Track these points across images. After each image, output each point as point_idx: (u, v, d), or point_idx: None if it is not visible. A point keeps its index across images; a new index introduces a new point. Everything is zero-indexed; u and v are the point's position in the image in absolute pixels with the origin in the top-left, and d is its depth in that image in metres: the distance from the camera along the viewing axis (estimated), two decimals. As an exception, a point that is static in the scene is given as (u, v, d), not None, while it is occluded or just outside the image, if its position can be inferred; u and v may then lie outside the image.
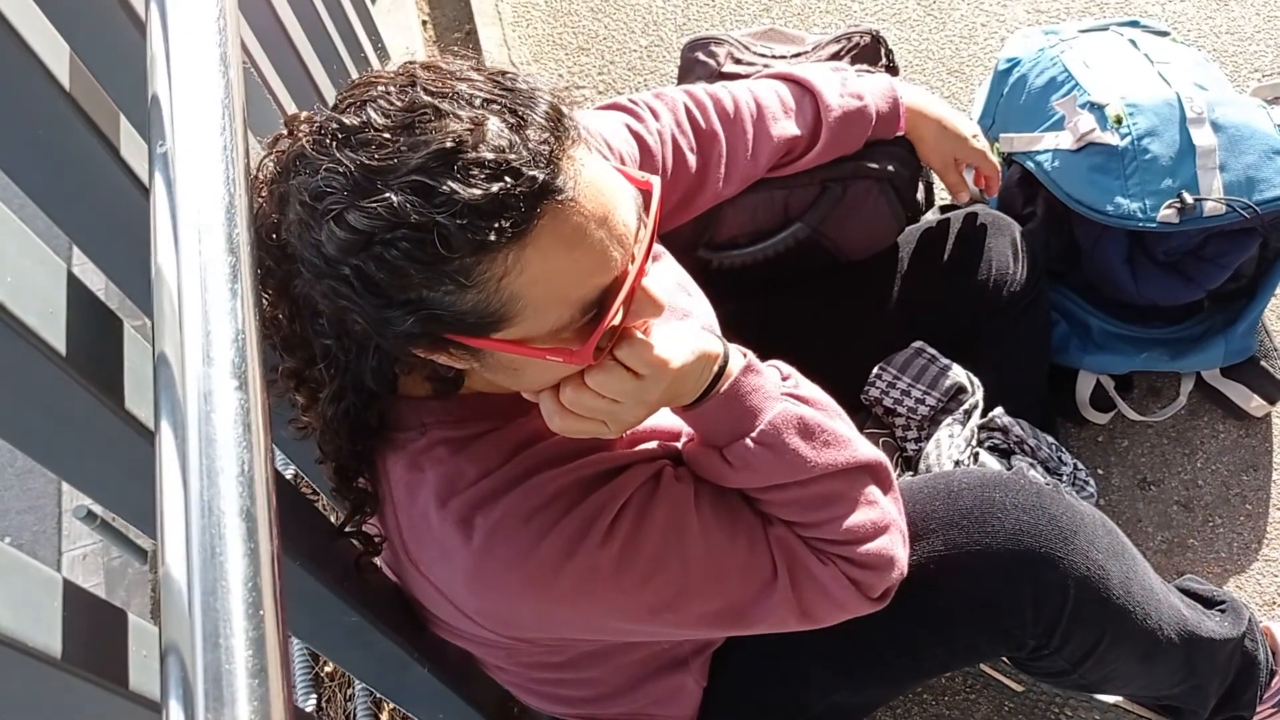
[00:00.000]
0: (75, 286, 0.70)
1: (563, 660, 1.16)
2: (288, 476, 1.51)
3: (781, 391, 1.02)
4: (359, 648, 1.10)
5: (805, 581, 1.04)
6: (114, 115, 0.80)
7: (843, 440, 1.04)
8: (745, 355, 1.02)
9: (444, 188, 0.74)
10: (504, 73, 0.83)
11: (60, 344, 0.66)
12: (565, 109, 0.82)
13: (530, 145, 0.77)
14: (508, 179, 0.75)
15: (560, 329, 0.84)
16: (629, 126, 1.32)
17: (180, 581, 0.54)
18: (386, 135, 0.77)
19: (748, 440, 0.99)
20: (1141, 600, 1.23)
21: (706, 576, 1.01)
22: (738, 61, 1.63)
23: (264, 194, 0.88)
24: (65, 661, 0.63)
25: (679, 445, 1.09)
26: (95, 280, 0.87)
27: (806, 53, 1.66)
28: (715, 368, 0.97)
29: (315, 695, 1.69)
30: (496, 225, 0.75)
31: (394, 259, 0.77)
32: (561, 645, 1.13)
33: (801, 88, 1.44)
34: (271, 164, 0.88)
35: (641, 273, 0.86)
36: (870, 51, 1.64)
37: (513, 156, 0.76)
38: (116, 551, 2.28)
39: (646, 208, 0.89)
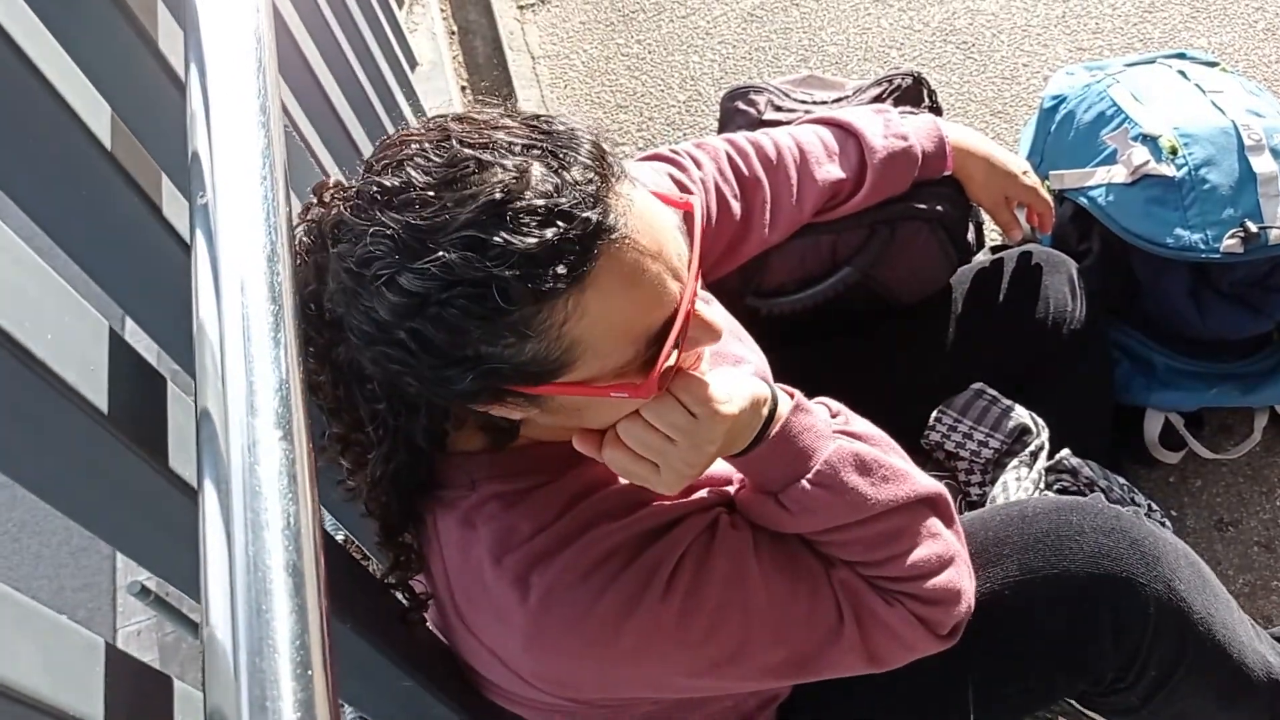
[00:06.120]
0: (116, 344, 0.68)
1: (623, 725, 1.12)
2: (338, 540, 1.49)
3: (833, 429, 0.99)
4: (414, 716, 1.07)
5: (872, 626, 1.00)
6: (156, 174, 0.79)
7: (900, 474, 1.01)
8: (793, 396, 0.98)
9: (497, 239, 0.72)
10: (538, 116, 0.82)
11: (102, 401, 0.64)
12: (607, 146, 0.81)
13: (578, 187, 0.75)
14: (560, 223, 0.74)
15: (623, 366, 0.82)
16: (672, 176, 1.31)
17: (225, 642, 0.51)
18: (430, 193, 0.75)
19: (804, 482, 0.95)
20: (1224, 639, 1.17)
21: (769, 625, 0.97)
22: (778, 109, 1.61)
23: (299, 264, 0.87)
24: (108, 731, 0.61)
25: (730, 490, 1.05)
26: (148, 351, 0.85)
27: (848, 97, 1.64)
28: (765, 411, 0.94)
29: (369, 768, 1.65)
30: (554, 271, 0.74)
31: (452, 318, 0.75)
32: (621, 707, 1.08)
33: (844, 131, 1.42)
34: (303, 233, 0.87)
35: (694, 296, 0.84)
36: (913, 93, 1.62)
37: (562, 200, 0.74)
38: (170, 627, 2.27)
39: (690, 232, 0.86)
